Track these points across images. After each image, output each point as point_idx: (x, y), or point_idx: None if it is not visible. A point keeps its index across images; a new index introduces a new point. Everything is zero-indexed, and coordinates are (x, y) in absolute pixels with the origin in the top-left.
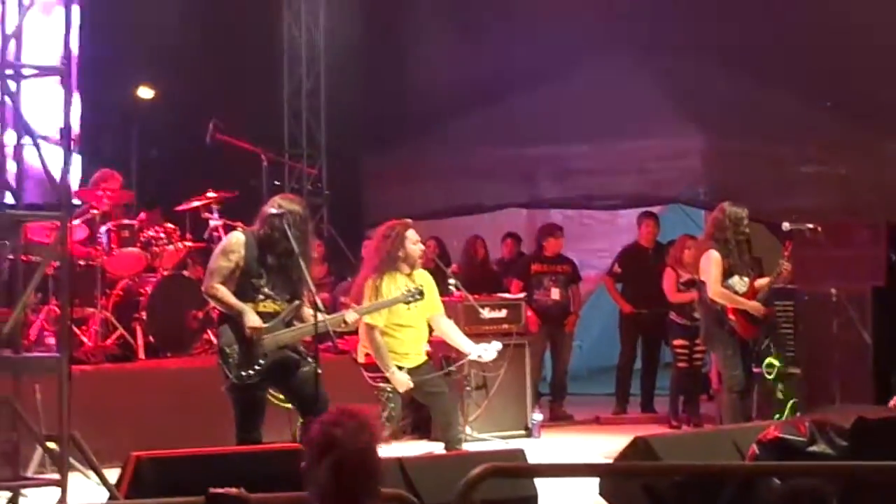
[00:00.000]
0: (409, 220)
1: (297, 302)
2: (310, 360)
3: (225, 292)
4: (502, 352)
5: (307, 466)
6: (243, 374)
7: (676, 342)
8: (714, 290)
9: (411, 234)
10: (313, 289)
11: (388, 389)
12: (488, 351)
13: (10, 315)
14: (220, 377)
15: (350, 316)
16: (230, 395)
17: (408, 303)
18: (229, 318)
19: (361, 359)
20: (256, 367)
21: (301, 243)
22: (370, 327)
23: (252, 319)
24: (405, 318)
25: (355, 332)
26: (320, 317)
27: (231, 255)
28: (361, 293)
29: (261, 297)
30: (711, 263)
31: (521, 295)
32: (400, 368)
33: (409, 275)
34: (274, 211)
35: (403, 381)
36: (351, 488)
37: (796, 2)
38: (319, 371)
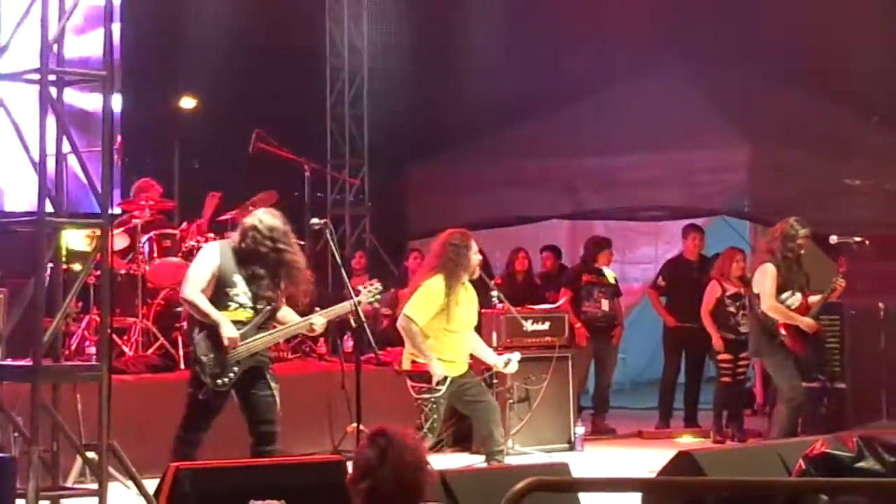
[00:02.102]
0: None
1: (269, 307)
2: (274, 385)
3: (202, 300)
4: (545, 365)
5: (350, 483)
6: (220, 382)
7: (720, 356)
8: (768, 304)
9: (473, 245)
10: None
11: (431, 400)
12: (511, 362)
13: (50, 324)
14: (193, 382)
15: (317, 320)
16: (191, 393)
17: (371, 302)
18: (203, 326)
19: (407, 366)
20: (231, 375)
21: (275, 257)
22: (409, 320)
23: (228, 330)
24: (455, 323)
25: (398, 344)
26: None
27: (206, 264)
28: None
29: (233, 305)
30: (767, 277)
31: (560, 303)
32: (444, 379)
33: (463, 284)
34: (250, 223)
35: (441, 372)
36: None
37: (843, 18)
38: (276, 395)
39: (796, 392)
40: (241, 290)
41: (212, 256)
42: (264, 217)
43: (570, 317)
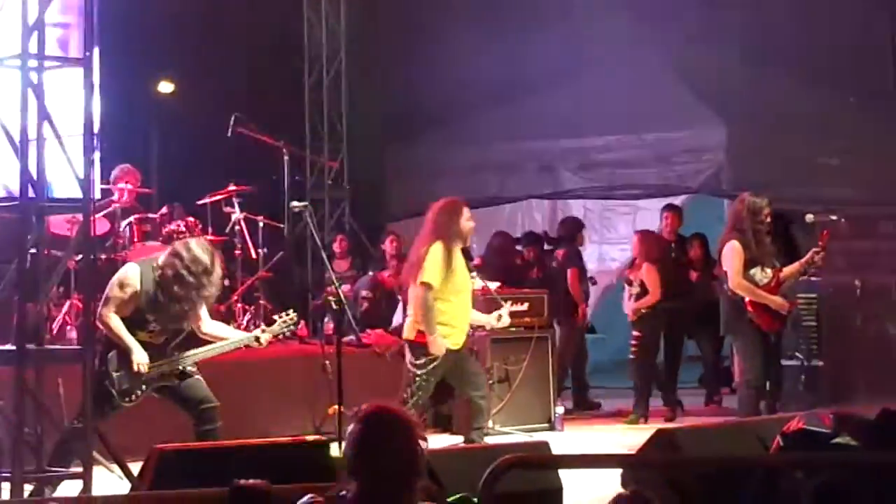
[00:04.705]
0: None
1: (181, 333)
2: (188, 373)
3: (117, 324)
4: (525, 345)
5: (345, 461)
6: (127, 399)
7: (634, 332)
8: (735, 282)
9: (466, 211)
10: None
11: (423, 375)
12: (503, 316)
13: (33, 309)
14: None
15: (263, 336)
16: (97, 403)
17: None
18: (116, 344)
19: (410, 335)
20: (139, 393)
21: (191, 289)
22: (427, 287)
23: (139, 357)
24: (460, 284)
25: (378, 326)
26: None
27: (126, 287)
28: (420, 263)
29: (149, 328)
30: (734, 254)
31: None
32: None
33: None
34: (175, 250)
35: (442, 346)
36: (381, 496)
37: None
38: (197, 377)
39: (754, 374)
40: (156, 316)
41: (132, 279)
42: (193, 247)
43: (576, 295)
